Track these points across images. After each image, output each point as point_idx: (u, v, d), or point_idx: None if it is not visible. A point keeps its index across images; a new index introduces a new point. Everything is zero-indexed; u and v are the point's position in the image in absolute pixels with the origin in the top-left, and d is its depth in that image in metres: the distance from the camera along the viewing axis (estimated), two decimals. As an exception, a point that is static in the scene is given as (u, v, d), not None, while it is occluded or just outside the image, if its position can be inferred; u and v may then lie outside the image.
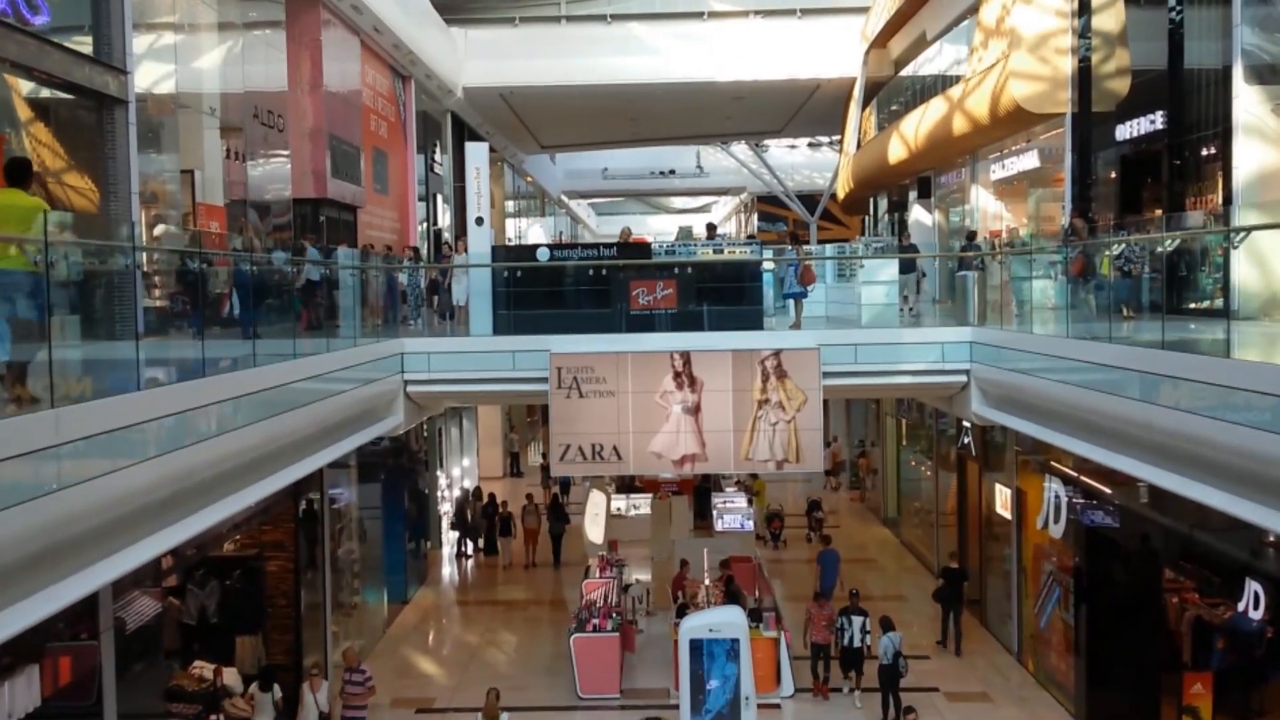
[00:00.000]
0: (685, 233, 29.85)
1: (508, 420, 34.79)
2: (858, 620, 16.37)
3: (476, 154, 17.17)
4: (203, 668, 14.88)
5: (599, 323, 16.03)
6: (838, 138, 41.56)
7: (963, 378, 15.41)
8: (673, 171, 49.35)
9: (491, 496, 26.20)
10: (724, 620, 14.35)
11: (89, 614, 10.56)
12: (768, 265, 18.02)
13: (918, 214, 29.26)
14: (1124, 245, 12.10)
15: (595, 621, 17.05)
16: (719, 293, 16.34)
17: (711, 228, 19.41)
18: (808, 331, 15.73)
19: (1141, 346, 10.67)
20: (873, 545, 24.76)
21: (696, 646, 14.13)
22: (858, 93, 31.90)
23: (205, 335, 10.50)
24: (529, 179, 44.66)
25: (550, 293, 16.41)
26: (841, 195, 35.12)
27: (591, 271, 16.15)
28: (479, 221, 16.49)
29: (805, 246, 18.56)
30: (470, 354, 15.67)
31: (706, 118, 38.19)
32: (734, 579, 18.45)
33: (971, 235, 20.99)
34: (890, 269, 17.19)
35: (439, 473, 26.82)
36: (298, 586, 16.35)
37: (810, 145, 50.26)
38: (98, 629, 10.69)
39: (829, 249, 26.18)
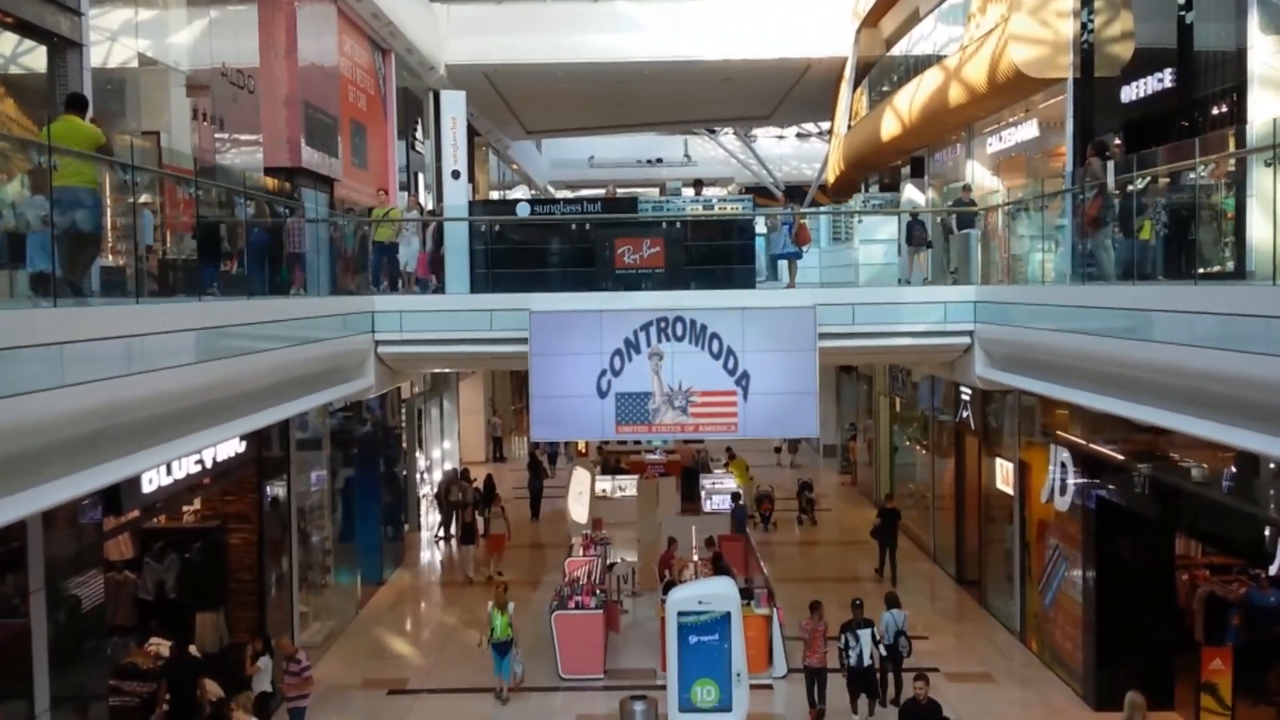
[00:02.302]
0: (673, 189, 29.02)
1: (491, 404, 33.76)
2: (865, 634, 14.05)
3: (452, 103, 16.17)
4: (159, 645, 13.89)
5: (582, 282, 15.20)
6: (827, 128, 40.57)
7: (966, 339, 14.56)
8: (660, 160, 48.33)
9: (489, 478, 25.00)
10: (714, 592, 13.37)
11: (16, 573, 9.46)
12: (760, 229, 17.01)
13: (910, 194, 28.30)
14: (1146, 180, 11.12)
15: (578, 599, 16.11)
16: (709, 251, 15.52)
17: (698, 184, 18.48)
18: (803, 290, 14.77)
19: (1167, 284, 9.73)
20: (865, 528, 23.67)
21: (685, 618, 13.10)
22: (849, 73, 30.95)
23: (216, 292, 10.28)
24: (514, 166, 43.61)
25: (531, 250, 15.59)
26: (831, 179, 34.15)
27: (575, 227, 15.26)
28: (455, 175, 15.50)
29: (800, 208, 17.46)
30: (445, 313, 14.75)
31: (694, 101, 37.16)
32: (722, 556, 17.47)
33: (966, 189, 19.60)
34: (889, 227, 16.25)
35: (418, 454, 25.77)
36: (262, 561, 15.35)
37: (799, 136, 49.30)
38: (26, 590, 9.57)
39: (823, 207, 25.21)
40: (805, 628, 14.59)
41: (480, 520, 21.80)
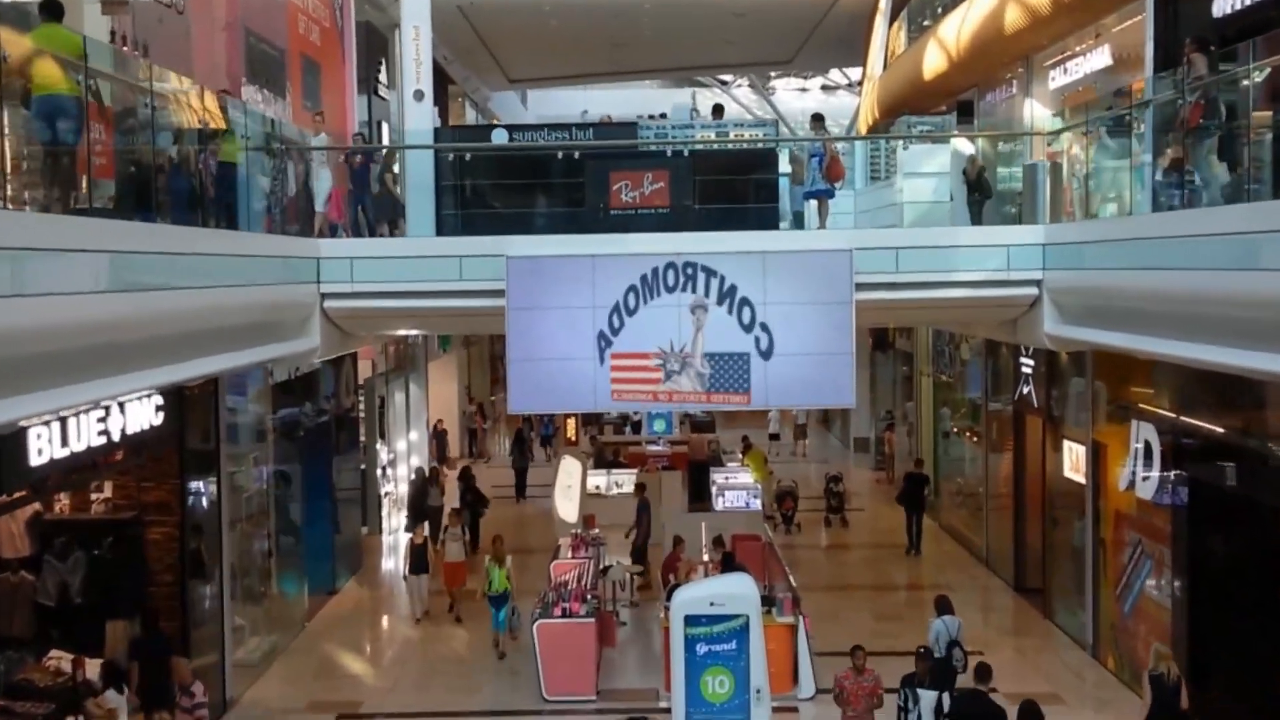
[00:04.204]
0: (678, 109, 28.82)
1: (466, 392, 33.12)
2: (928, 697, 12.50)
3: (414, 10, 15.45)
4: (60, 659, 13.34)
5: (570, 224, 14.69)
6: (857, 78, 39.91)
7: (1032, 290, 13.93)
8: (664, 116, 47.68)
9: (468, 470, 24.21)
10: (728, 591, 12.68)
11: None
12: (784, 168, 16.31)
13: (956, 143, 27.56)
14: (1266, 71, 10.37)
15: (565, 605, 15.45)
16: (724, 187, 15.04)
17: (719, 109, 17.90)
18: (836, 231, 14.11)
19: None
20: (903, 531, 23.12)
21: (694, 625, 12.42)
22: (884, 4, 30.29)
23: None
24: (496, 121, 42.96)
25: (509, 186, 15.17)
26: (863, 131, 33.49)
27: (562, 158, 14.66)
28: (419, 96, 14.86)
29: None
30: (405, 259, 14.10)
31: (702, 43, 36.61)
32: (735, 557, 16.90)
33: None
34: (940, 158, 15.59)
35: (380, 447, 25.08)
36: (186, 562, 14.70)
37: (824, 89, 48.95)
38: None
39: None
40: (842, 684, 12.78)
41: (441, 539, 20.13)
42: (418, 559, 18.86)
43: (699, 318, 13.64)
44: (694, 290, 13.71)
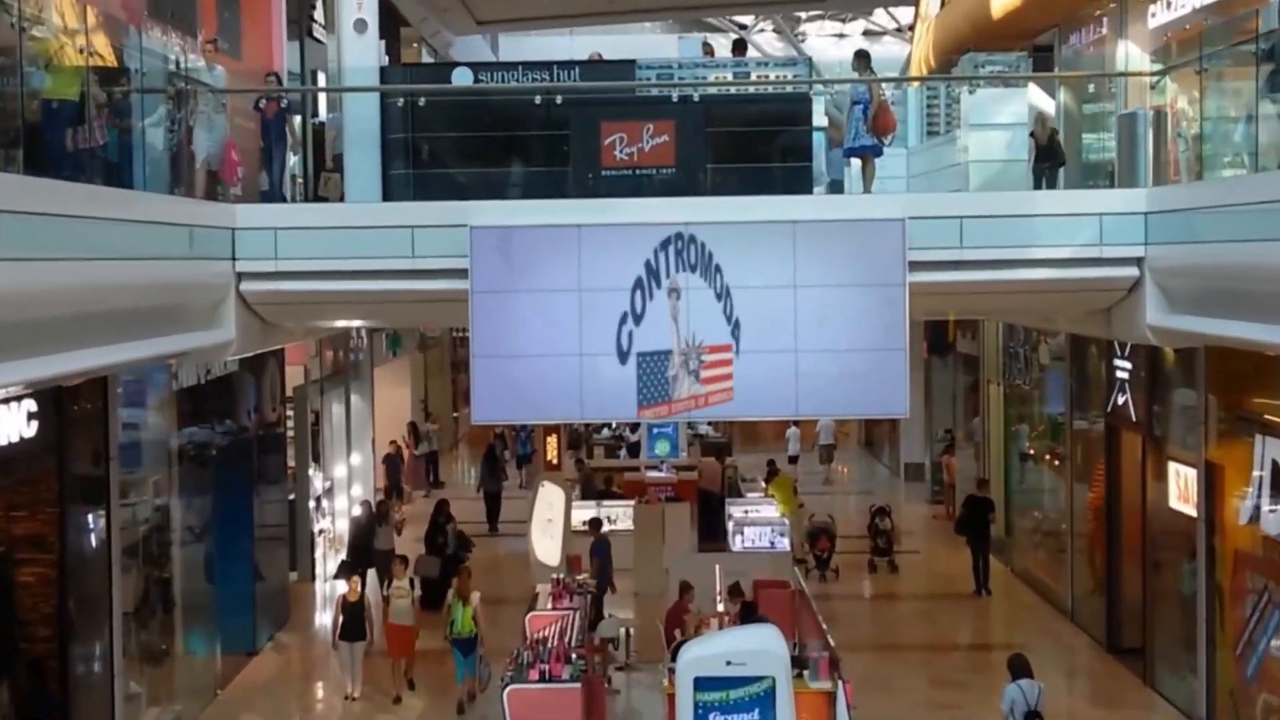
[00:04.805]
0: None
1: (423, 405, 33.16)
2: None
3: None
4: None
5: (551, 187, 14.69)
6: (908, 23, 39.96)
7: (1132, 270, 13.76)
8: (670, 68, 48.47)
9: (444, 505, 23.92)
10: (749, 648, 12.55)
11: None
12: (819, 120, 16.27)
13: (1033, 97, 27.58)
14: None
15: (544, 667, 15.37)
16: (744, 141, 15.07)
17: (740, 44, 17.96)
18: (885, 196, 13.96)
19: None
20: (965, 577, 23.42)
21: (706, 689, 12.33)
22: (942, -74, 30.33)
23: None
24: (459, 73, 43.16)
25: (474, 140, 15.19)
26: (917, 83, 33.53)
27: (540, 102, 14.67)
28: (360, 27, 14.77)
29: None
30: (342, 230, 13.95)
31: (715, -25, 36.86)
32: (757, 607, 16.90)
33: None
34: (1015, 104, 15.54)
35: (313, 474, 24.99)
36: (66, 610, 14.55)
37: (866, 34, 49.33)
38: None
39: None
40: None
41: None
42: (352, 620, 18.12)
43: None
44: (710, 271, 13.67)
